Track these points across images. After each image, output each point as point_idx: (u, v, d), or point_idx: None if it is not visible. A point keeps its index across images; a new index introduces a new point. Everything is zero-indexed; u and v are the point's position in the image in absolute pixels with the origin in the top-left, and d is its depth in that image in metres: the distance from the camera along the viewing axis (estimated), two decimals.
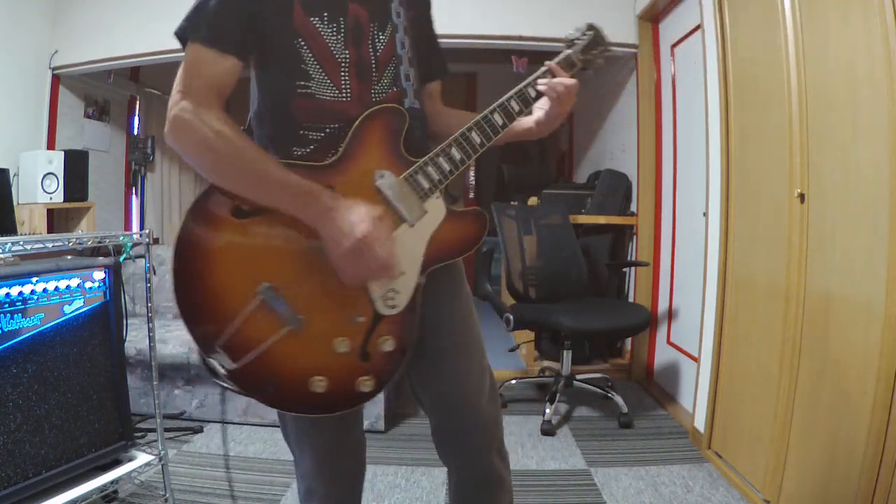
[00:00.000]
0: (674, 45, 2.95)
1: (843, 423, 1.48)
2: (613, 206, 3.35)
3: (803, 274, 1.67)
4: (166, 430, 2.17)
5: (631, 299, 3.38)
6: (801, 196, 1.67)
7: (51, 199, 3.09)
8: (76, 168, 3.28)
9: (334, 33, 0.95)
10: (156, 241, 4.20)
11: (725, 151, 2.15)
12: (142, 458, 1.73)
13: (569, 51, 1.13)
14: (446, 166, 0.98)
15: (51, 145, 3.36)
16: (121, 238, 1.74)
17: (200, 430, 2.49)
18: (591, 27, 1.16)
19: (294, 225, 0.88)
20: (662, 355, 3.11)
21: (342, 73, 0.95)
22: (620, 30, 3.09)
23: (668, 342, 3.02)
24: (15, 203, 2.96)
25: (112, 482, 1.62)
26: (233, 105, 0.94)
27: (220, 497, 1.93)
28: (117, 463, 1.68)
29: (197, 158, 0.86)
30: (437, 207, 0.99)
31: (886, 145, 1.34)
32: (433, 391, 1.09)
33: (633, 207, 3.36)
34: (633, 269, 3.38)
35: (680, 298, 2.94)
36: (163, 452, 1.76)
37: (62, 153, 3.19)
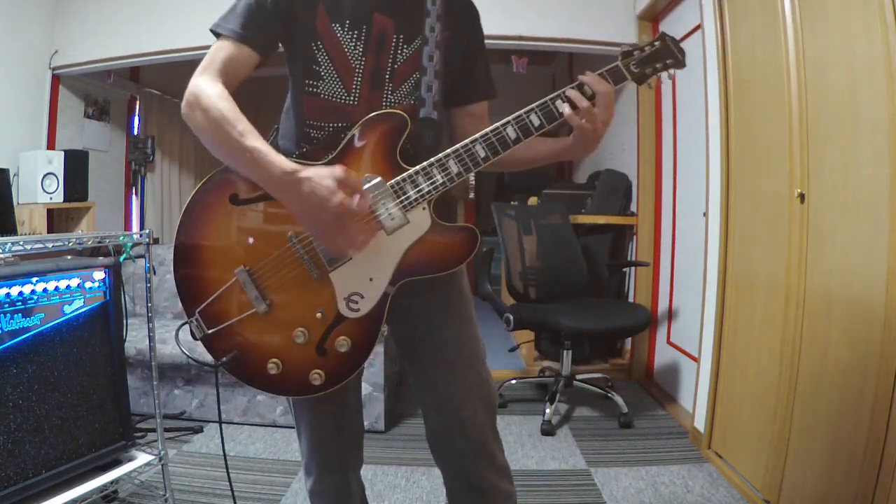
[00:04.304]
0: None
1: (843, 423, 1.48)
2: (613, 205, 3.35)
3: (803, 274, 1.67)
4: (166, 430, 2.17)
5: (631, 299, 3.38)
6: (801, 196, 1.67)
7: (51, 199, 3.09)
8: (76, 168, 3.28)
9: (353, 40, 0.98)
10: (156, 241, 4.19)
11: (725, 151, 2.15)
12: (142, 458, 1.73)
13: (619, 62, 1.00)
14: (439, 178, 0.94)
15: (51, 145, 3.36)
16: (121, 238, 1.74)
17: (200, 430, 2.49)
18: (662, 36, 1.03)
19: (279, 217, 0.95)
20: (662, 355, 3.11)
21: (355, 79, 0.99)
22: (620, 29, 3.08)
23: (668, 342, 3.02)
24: (15, 203, 2.97)
25: (112, 482, 1.62)
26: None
27: (220, 497, 1.93)
28: (117, 463, 1.68)
29: (192, 122, 0.91)
30: (421, 219, 0.96)
31: (886, 145, 1.34)
32: (427, 400, 1.11)
33: (633, 207, 3.36)
34: (633, 269, 3.38)
35: (680, 298, 2.94)
36: (163, 452, 1.76)
37: (62, 153, 3.19)
